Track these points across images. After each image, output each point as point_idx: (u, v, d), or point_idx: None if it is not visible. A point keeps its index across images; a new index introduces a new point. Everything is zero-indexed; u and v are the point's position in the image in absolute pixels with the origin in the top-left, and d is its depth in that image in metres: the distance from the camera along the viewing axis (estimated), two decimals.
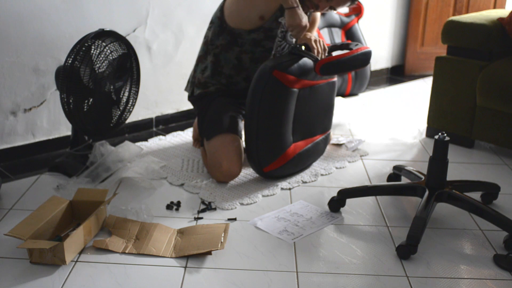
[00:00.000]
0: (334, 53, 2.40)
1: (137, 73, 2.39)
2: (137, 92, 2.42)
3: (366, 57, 2.33)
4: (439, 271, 1.76)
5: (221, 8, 2.42)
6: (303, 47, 2.29)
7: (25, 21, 2.41)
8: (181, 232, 1.93)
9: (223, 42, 2.39)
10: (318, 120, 2.43)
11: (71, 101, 2.15)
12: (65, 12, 2.52)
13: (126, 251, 1.81)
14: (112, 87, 2.28)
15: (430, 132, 2.90)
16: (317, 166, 2.50)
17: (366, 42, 3.67)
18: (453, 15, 4.09)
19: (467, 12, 4.07)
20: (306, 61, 2.27)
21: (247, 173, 2.41)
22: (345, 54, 2.27)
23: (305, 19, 2.22)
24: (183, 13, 2.95)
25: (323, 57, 2.32)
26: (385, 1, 4.05)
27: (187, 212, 2.08)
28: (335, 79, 2.44)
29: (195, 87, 2.50)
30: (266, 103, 2.22)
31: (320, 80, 2.34)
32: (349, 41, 2.92)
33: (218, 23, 2.41)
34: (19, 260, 1.74)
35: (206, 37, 2.49)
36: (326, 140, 2.52)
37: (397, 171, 2.32)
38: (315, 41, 2.31)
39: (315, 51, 2.29)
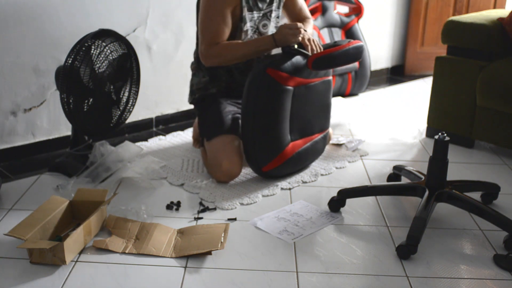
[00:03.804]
0: None
1: (137, 73, 2.39)
2: (137, 92, 2.42)
3: (358, 50, 2.33)
4: (439, 271, 1.75)
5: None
6: (295, 45, 2.29)
7: (25, 21, 2.41)
8: (181, 232, 1.93)
9: None
10: (316, 119, 2.43)
11: (71, 101, 2.15)
12: (65, 12, 2.52)
13: (126, 251, 1.81)
14: (112, 87, 2.28)
15: (430, 132, 2.89)
16: (317, 166, 2.50)
17: (366, 42, 3.67)
18: (453, 15, 4.09)
19: (467, 12, 4.07)
20: (299, 58, 2.27)
21: (247, 173, 2.41)
22: (337, 48, 2.27)
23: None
24: (183, 13, 2.95)
25: None
26: (385, 1, 4.05)
27: (187, 212, 2.08)
28: (330, 77, 2.43)
29: (196, 91, 2.51)
30: (261, 102, 2.22)
31: (315, 79, 2.34)
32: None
33: None
34: (19, 260, 1.74)
35: (195, 53, 2.50)
36: (325, 139, 2.51)
37: (397, 171, 2.32)
38: (308, 39, 2.31)
39: (309, 48, 2.28)
